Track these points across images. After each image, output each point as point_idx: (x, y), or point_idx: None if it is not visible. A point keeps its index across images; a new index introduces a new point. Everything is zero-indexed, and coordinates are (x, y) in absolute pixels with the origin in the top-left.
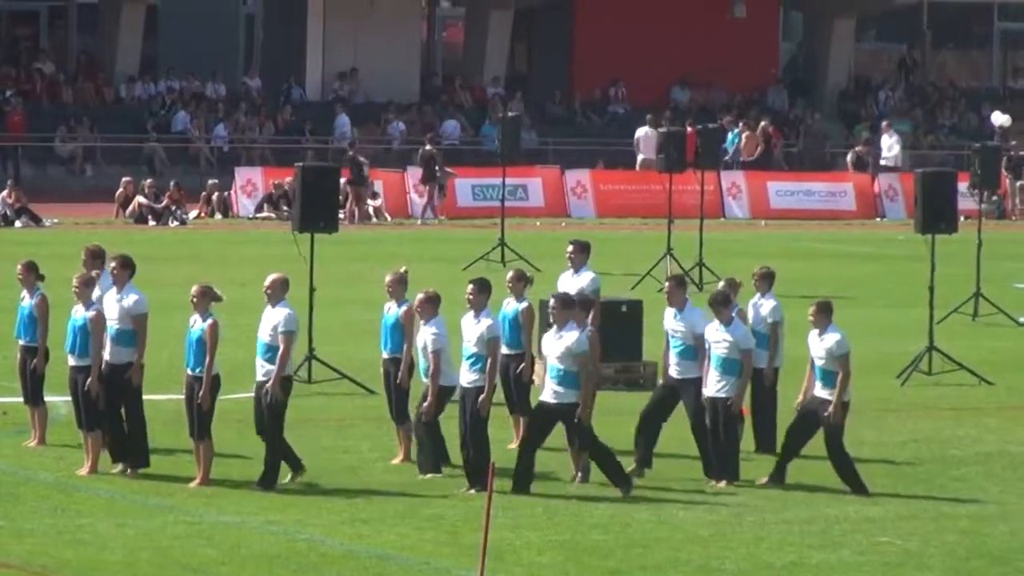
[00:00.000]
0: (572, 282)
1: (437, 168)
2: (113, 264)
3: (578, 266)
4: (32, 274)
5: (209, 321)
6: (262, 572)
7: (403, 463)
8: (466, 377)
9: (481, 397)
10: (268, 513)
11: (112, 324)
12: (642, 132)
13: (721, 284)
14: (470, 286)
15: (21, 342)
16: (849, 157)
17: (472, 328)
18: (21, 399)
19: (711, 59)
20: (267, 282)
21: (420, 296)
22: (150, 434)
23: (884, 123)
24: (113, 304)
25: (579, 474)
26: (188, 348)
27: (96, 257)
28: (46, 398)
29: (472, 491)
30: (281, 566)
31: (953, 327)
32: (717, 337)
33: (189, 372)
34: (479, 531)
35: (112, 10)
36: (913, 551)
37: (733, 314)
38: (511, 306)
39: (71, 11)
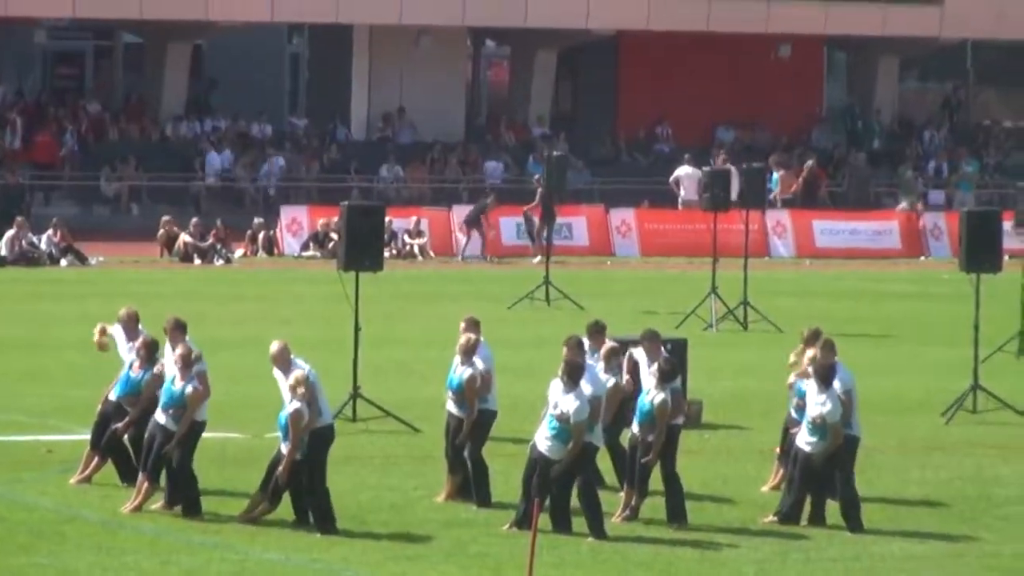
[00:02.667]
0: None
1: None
2: (178, 354)
3: None
4: (178, 331)
5: (294, 407)
6: None
7: (448, 501)
8: (543, 443)
9: (555, 468)
10: (313, 551)
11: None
12: (682, 171)
13: (810, 344)
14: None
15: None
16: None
17: (562, 400)
18: (67, 437)
19: (756, 99)
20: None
21: (462, 342)
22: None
23: (721, 156)
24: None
25: (626, 511)
26: (281, 426)
27: (177, 330)
28: (85, 433)
29: (514, 529)
30: None
31: (998, 365)
32: (813, 401)
33: (283, 448)
34: (523, 569)
35: (158, 50)
36: None
37: (836, 386)
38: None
39: (117, 51)
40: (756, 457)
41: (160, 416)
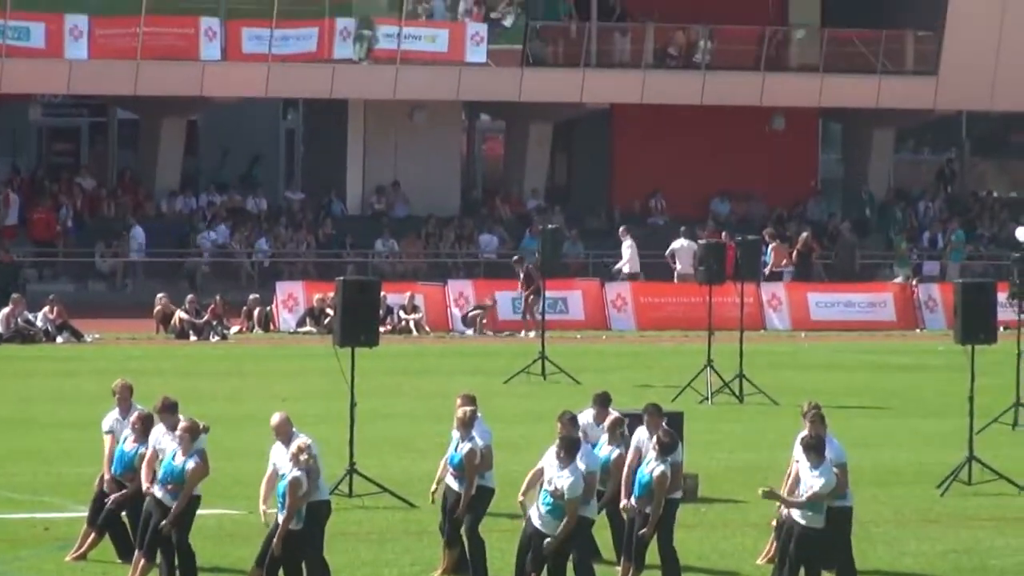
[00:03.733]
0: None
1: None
2: (183, 427)
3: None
4: (166, 412)
5: (293, 475)
6: None
7: None
8: (537, 518)
9: (548, 543)
10: None
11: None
12: (678, 244)
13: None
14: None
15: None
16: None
17: (556, 476)
18: (63, 514)
19: (750, 171)
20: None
21: (459, 415)
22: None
23: (621, 229)
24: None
25: None
26: (279, 494)
27: (166, 410)
28: (81, 510)
29: None
30: None
31: (993, 437)
32: (807, 476)
33: (280, 518)
34: None
35: (152, 125)
36: None
37: (827, 455)
38: (605, 451)
39: (112, 127)
40: (753, 530)
41: (157, 491)
